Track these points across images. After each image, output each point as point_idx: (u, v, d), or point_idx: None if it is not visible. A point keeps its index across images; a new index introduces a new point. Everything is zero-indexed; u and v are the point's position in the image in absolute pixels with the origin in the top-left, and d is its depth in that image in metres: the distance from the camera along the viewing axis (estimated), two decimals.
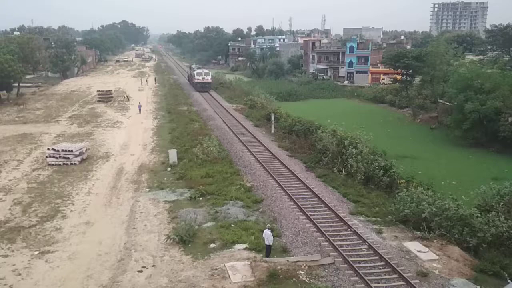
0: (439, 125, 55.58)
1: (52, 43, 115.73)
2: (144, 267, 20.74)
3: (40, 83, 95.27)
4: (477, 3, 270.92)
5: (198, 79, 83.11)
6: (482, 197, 24.73)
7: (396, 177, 30.57)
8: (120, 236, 23.95)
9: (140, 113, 61.80)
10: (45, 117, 58.96)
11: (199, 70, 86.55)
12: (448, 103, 53.57)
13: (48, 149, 38.32)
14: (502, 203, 23.42)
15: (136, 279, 19.73)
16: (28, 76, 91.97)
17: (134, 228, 25.01)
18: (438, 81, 60.25)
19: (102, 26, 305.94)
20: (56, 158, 37.09)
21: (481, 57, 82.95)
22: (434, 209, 23.57)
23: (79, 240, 23.52)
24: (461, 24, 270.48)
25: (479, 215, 22.81)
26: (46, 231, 24.51)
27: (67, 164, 36.76)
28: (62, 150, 37.32)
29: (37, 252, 22.19)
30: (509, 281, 19.53)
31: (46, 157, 37.66)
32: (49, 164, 36.77)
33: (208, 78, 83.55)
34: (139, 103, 65.17)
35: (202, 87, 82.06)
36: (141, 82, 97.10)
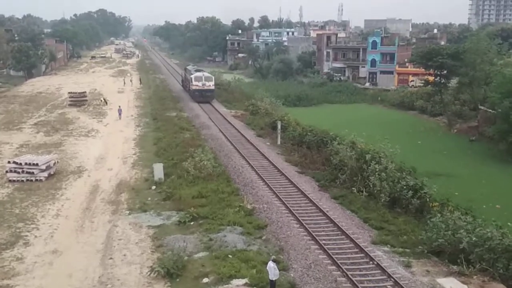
0: (479, 137, 55.56)
1: (15, 35, 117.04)
2: None
3: (0, 83, 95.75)
4: None
5: (197, 85, 74.55)
6: None
7: (428, 199, 30.51)
8: (94, 268, 23.88)
9: (120, 119, 62.38)
10: (6, 123, 59.19)
11: (197, 74, 76.98)
12: (490, 110, 53.59)
13: (9, 162, 38.39)
14: None
15: None
16: None
17: (111, 258, 24.96)
18: (479, 84, 60.35)
19: (75, 15, 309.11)
20: (18, 173, 37.13)
21: None
22: (474, 239, 23.49)
23: (44, 273, 23.45)
24: (506, 16, 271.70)
25: None
26: (5, 261, 24.45)
27: (32, 180, 36.77)
28: (26, 164, 37.38)
29: None
30: None
31: (6, 171, 37.72)
32: (10, 180, 36.81)
33: (210, 85, 75.35)
34: (119, 106, 65.74)
35: (202, 96, 74.14)
36: (124, 82, 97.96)
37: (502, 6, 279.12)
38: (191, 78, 76.38)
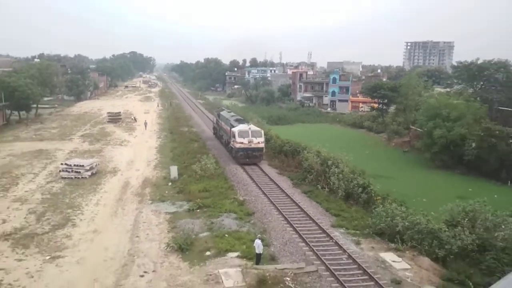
0: (411, 149, 55.98)
1: (68, 69, 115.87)
2: (145, 272, 20.47)
3: (56, 105, 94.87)
4: (444, 42, 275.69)
5: (242, 143, 40.70)
6: (449, 213, 24.79)
7: (373, 194, 30.62)
8: (124, 244, 23.67)
9: (146, 129, 63.28)
10: (60, 135, 58.63)
11: (242, 127, 41.83)
12: (419, 129, 54.06)
13: (62, 164, 38.05)
14: (467, 219, 23.48)
15: (138, 283, 19.44)
16: (46, 99, 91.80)
17: (137, 236, 24.73)
18: (410, 110, 60.91)
19: (113, 55, 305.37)
20: (69, 172, 36.82)
21: (448, 89, 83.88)
22: (406, 223, 23.65)
23: (87, 247, 23.23)
24: (430, 60, 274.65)
25: (447, 229, 22.84)
26: (57, 238, 24.17)
27: (78, 177, 36.48)
28: (74, 165, 37.09)
29: (49, 257, 21.85)
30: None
31: (60, 171, 37.36)
32: (62, 178, 36.46)
33: (259, 141, 41.24)
34: (145, 120, 67.86)
35: (249, 157, 40.91)
36: (158, 104, 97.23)
37: (427, 53, 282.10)
38: (234, 133, 41.43)
